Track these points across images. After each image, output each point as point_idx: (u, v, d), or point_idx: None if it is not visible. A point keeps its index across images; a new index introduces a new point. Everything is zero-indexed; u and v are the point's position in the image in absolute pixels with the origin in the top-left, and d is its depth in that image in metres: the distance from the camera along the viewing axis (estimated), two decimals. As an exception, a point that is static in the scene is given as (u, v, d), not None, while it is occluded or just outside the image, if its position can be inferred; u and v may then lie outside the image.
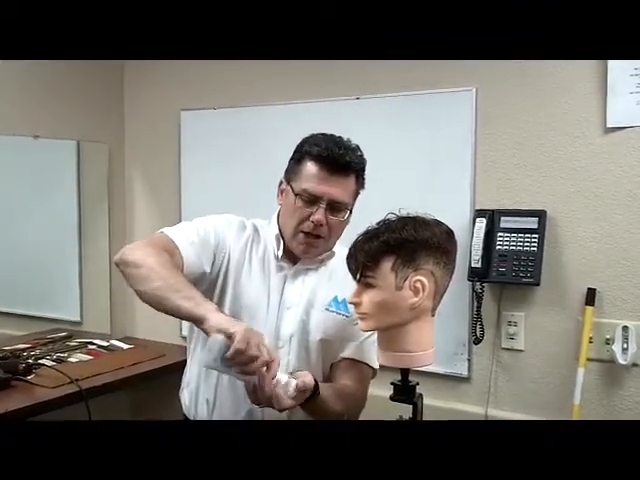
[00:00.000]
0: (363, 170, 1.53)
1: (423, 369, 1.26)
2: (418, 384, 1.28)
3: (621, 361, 1.95)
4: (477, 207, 2.17)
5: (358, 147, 1.52)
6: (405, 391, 1.26)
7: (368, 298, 1.22)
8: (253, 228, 1.58)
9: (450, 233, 1.25)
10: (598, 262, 2.01)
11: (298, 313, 1.51)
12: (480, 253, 2.07)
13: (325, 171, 1.45)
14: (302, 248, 1.50)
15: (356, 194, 1.54)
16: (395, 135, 2.31)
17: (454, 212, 2.11)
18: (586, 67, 2.00)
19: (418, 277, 1.19)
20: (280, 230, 1.54)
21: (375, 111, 2.34)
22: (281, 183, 1.56)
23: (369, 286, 1.22)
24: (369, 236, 1.22)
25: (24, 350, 2.32)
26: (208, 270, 1.48)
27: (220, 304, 1.47)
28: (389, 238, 1.19)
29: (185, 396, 1.60)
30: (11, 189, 2.73)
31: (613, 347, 1.97)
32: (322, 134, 1.53)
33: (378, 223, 1.24)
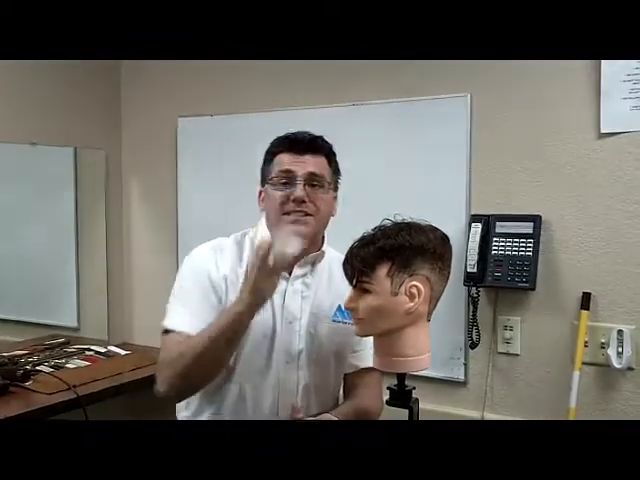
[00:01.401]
0: (333, 154, 1.52)
1: (419, 374, 1.27)
2: (414, 388, 1.29)
3: (616, 365, 1.96)
4: (473, 212, 2.18)
5: (322, 137, 1.53)
6: (401, 395, 1.27)
7: (364, 303, 1.23)
8: (235, 244, 1.52)
9: (445, 238, 1.26)
10: (593, 266, 2.02)
11: (304, 326, 1.47)
12: (476, 258, 2.08)
13: (294, 153, 1.45)
14: (291, 229, 1.38)
15: (334, 177, 1.51)
16: (391, 141, 2.32)
17: (450, 217, 2.12)
18: (579, 73, 2.01)
19: (414, 282, 1.20)
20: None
21: (371, 117, 2.35)
22: (260, 193, 1.53)
23: (365, 291, 1.23)
24: (365, 242, 1.23)
25: (22, 356, 2.32)
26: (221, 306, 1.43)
27: None
28: (385, 244, 1.20)
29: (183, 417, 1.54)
30: (9, 196, 2.73)
31: (608, 351, 1.97)
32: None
33: (374, 229, 1.25)
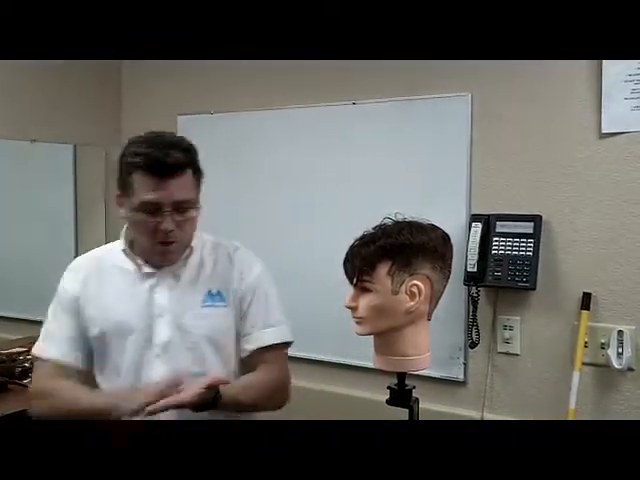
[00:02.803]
0: (195, 161, 1.50)
1: (419, 373, 1.26)
2: (414, 388, 1.28)
3: (616, 365, 1.96)
4: (473, 212, 2.18)
5: (182, 139, 1.50)
6: (401, 395, 1.26)
7: (364, 302, 1.22)
8: (93, 258, 1.59)
9: (446, 238, 1.26)
10: (593, 267, 2.02)
11: (172, 319, 1.48)
12: (476, 257, 2.08)
13: (156, 178, 1.39)
14: (161, 259, 1.48)
15: (198, 185, 1.52)
16: (391, 140, 2.32)
17: (450, 216, 2.13)
18: (581, 73, 2.01)
19: (414, 281, 1.19)
20: (131, 243, 1.51)
21: (371, 116, 2.35)
22: (118, 195, 1.48)
23: (365, 290, 1.22)
24: (365, 241, 1.23)
25: (20, 354, 2.32)
26: (91, 329, 1.50)
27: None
28: (385, 243, 1.20)
29: None
30: (8, 193, 2.73)
31: (608, 351, 1.98)
32: (140, 137, 1.48)
33: (374, 228, 1.25)
